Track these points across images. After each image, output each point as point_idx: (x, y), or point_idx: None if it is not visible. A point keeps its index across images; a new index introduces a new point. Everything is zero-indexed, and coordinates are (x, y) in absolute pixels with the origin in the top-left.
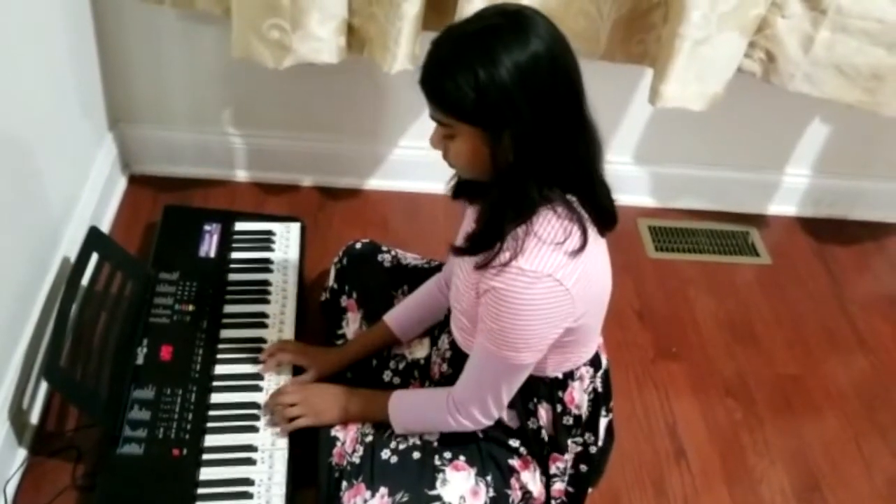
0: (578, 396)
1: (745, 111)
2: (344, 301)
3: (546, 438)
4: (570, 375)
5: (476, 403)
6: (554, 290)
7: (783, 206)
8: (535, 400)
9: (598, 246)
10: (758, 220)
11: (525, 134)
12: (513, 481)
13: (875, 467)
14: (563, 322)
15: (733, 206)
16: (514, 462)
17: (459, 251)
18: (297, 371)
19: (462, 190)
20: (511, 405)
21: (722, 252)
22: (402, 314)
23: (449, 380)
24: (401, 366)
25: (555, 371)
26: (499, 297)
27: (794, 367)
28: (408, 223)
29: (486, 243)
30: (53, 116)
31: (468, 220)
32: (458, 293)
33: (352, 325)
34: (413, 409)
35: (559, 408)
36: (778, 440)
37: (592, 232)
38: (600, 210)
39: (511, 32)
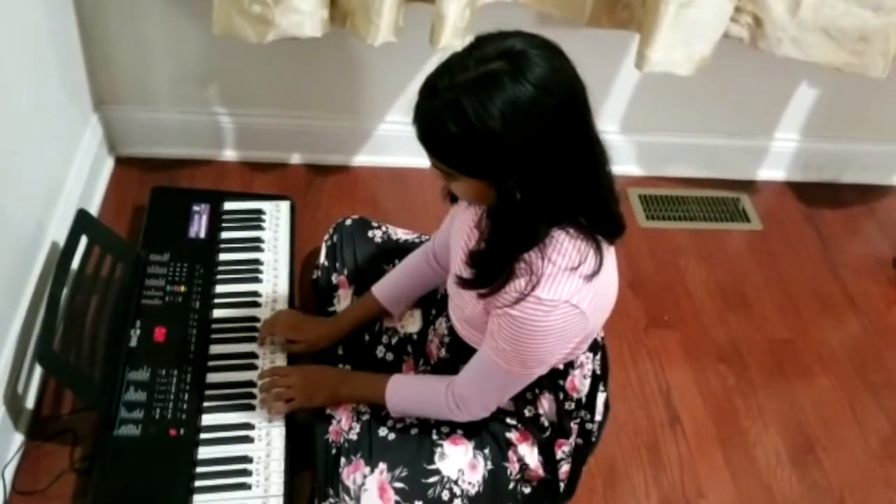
0: (579, 382)
1: (732, 77)
2: (335, 278)
3: (546, 424)
4: (570, 364)
5: (477, 403)
6: (570, 313)
7: (773, 171)
8: (537, 390)
9: (608, 258)
10: (748, 186)
11: (530, 179)
12: (510, 454)
13: (868, 428)
14: (575, 338)
15: (723, 172)
16: (512, 435)
17: (466, 284)
18: (291, 359)
19: None
20: (513, 397)
21: (713, 219)
22: (389, 286)
23: (447, 364)
24: (393, 341)
25: (557, 364)
26: (515, 324)
27: (786, 332)
28: (397, 198)
29: (493, 277)
30: (36, 100)
31: (461, 218)
32: (463, 302)
33: (343, 301)
34: (411, 397)
35: (561, 395)
36: (771, 404)
37: (603, 246)
38: (610, 222)
39: (510, 78)
